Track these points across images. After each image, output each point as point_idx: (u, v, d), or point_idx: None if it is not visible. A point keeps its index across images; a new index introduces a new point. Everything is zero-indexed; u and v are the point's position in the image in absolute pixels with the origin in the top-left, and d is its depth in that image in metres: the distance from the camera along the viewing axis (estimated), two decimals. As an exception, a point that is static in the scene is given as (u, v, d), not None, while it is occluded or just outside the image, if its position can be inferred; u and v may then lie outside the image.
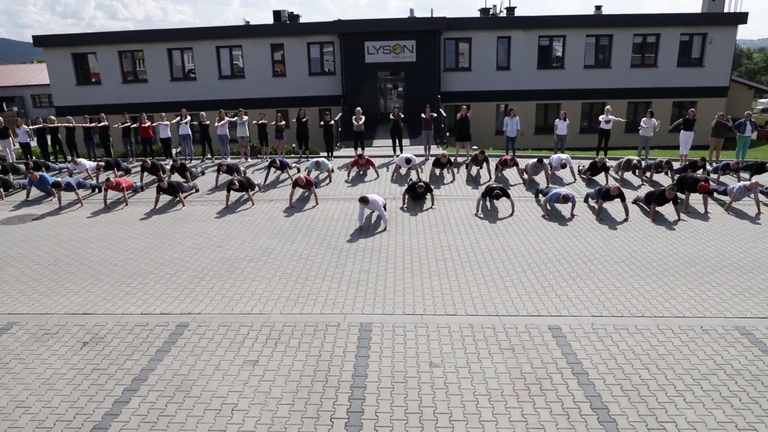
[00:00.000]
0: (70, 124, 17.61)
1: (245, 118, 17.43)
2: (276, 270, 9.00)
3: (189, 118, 17.58)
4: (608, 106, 18.05)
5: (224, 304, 7.81)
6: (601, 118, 17.22)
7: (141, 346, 6.68)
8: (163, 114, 17.99)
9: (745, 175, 14.61)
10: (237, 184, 12.35)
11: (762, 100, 36.94)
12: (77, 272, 9.18)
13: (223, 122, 17.18)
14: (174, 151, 18.72)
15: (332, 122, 17.46)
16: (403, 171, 15.38)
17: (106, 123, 17.51)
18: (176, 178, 14.92)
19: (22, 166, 15.89)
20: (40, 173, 13.61)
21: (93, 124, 17.52)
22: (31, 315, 7.62)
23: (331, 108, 25.58)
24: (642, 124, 16.61)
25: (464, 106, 16.98)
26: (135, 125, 17.83)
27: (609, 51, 25.43)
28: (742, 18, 25.17)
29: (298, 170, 15.77)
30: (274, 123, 17.13)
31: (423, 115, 16.68)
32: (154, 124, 17.83)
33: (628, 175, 14.97)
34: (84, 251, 10.16)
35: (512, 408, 5.46)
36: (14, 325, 7.33)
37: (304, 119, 17.18)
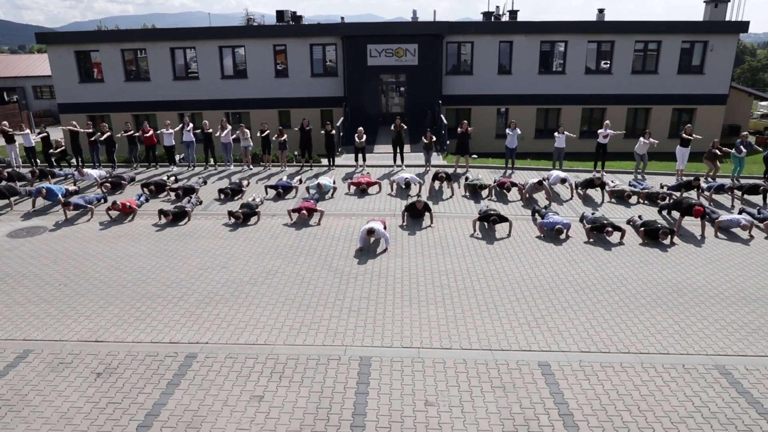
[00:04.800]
0: (74, 128, 17.86)
1: (247, 131, 17.76)
2: (279, 295, 9.36)
3: (192, 125, 17.86)
4: (607, 121, 18.29)
5: (230, 332, 8.18)
6: (599, 132, 17.50)
7: (152, 379, 7.05)
8: (168, 122, 18.25)
9: (737, 193, 14.88)
10: (241, 216, 12.69)
11: (763, 104, 37.04)
12: (87, 293, 9.53)
13: (225, 132, 17.49)
14: (177, 157, 18.99)
15: (333, 131, 17.72)
16: (403, 186, 15.68)
17: (109, 133, 17.78)
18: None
19: (28, 175, 16.15)
20: (46, 187, 13.85)
21: (96, 135, 17.78)
22: (45, 342, 7.98)
23: (333, 110, 25.90)
24: (639, 142, 16.99)
25: (465, 122, 17.24)
26: (137, 134, 18.13)
27: (610, 57, 25.57)
28: (743, 26, 25.32)
29: (301, 181, 16.08)
30: (276, 137, 17.48)
31: (424, 140, 17.02)
32: (158, 132, 18.13)
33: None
34: (92, 270, 10.51)
35: (501, 450, 5.84)
36: (30, 353, 7.70)
37: (308, 128, 17.46)
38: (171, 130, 17.83)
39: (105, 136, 17.66)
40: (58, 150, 17.79)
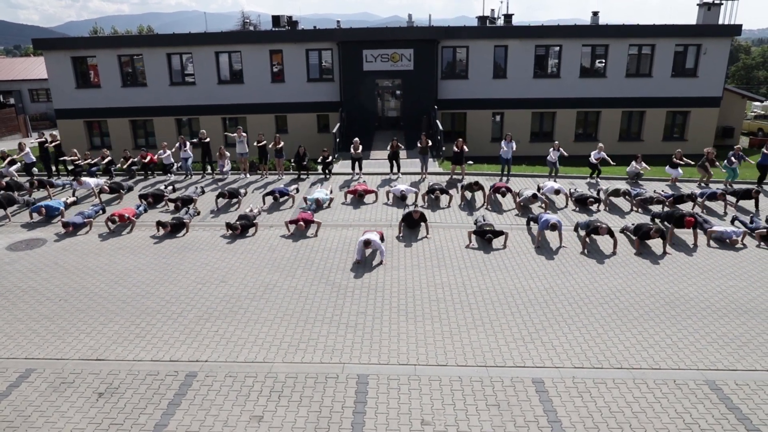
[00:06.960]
0: (76, 158, 17.98)
1: (244, 135, 17.86)
2: (277, 310, 9.48)
3: (189, 145, 18.13)
4: (600, 144, 18.42)
5: (229, 350, 8.29)
6: (592, 154, 17.75)
7: (153, 399, 7.17)
8: (165, 143, 18.46)
9: (731, 199, 15.07)
10: (239, 228, 12.79)
11: (756, 104, 37.23)
12: (87, 309, 9.63)
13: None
14: (174, 165, 19.07)
15: (330, 159, 17.86)
16: (399, 197, 15.76)
17: (110, 158, 18.03)
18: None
19: (26, 184, 16.20)
20: (45, 205, 13.96)
21: (95, 160, 18.04)
22: (47, 360, 8.09)
23: (329, 114, 25.98)
24: (631, 166, 17.39)
25: (459, 139, 17.32)
26: (136, 159, 18.35)
27: (604, 60, 25.72)
28: (736, 30, 25.48)
29: (297, 190, 16.18)
30: (272, 144, 17.58)
31: (419, 144, 17.12)
32: (155, 157, 18.33)
33: (618, 200, 15.42)
34: (92, 284, 10.60)
35: (496, 470, 5.98)
36: (32, 372, 7.81)
37: (303, 155, 17.58)
38: (168, 152, 18.02)
39: (106, 161, 17.89)
40: (71, 159, 17.92)
